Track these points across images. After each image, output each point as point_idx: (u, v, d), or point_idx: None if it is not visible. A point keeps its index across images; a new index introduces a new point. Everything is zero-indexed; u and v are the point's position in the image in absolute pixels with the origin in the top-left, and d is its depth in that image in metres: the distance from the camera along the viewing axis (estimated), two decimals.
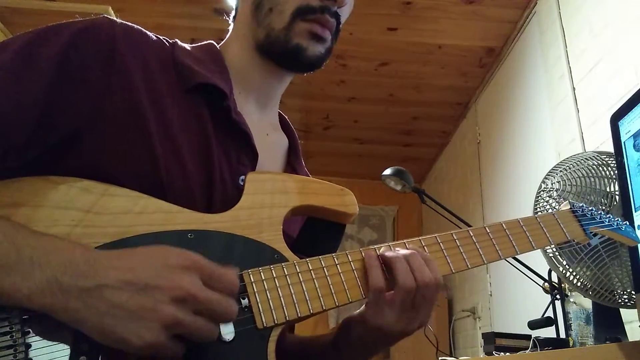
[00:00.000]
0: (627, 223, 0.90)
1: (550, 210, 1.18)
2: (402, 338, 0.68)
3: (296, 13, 0.74)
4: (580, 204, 0.85)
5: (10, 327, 0.48)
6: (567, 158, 1.32)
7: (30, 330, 0.49)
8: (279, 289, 0.61)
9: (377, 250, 0.68)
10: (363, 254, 0.67)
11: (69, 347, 0.50)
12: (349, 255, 0.67)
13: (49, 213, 0.55)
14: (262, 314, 0.59)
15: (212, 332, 0.53)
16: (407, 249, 0.68)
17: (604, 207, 1.19)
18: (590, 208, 0.85)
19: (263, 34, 0.76)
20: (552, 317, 1.49)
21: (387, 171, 1.96)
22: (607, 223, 0.85)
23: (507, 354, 1.32)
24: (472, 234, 0.74)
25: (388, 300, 0.65)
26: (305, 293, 0.62)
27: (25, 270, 0.48)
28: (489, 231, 0.75)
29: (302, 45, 0.74)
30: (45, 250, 0.50)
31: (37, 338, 0.50)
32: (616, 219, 0.87)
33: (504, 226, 0.77)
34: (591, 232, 0.82)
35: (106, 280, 0.50)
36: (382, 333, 0.66)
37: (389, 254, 0.66)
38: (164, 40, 0.73)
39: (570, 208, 0.84)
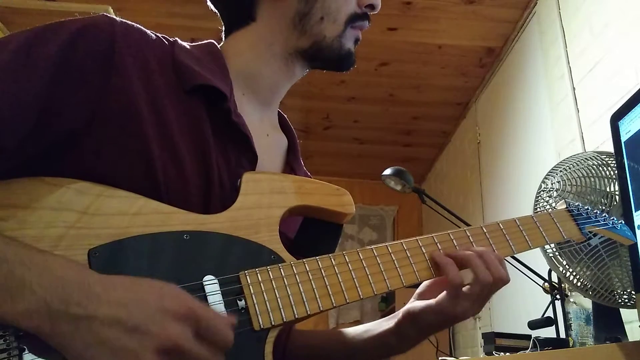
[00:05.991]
0: (623, 222, 0.91)
1: (549, 210, 1.18)
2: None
3: (348, 21, 0.78)
4: (576, 204, 0.86)
5: (4, 331, 0.47)
6: (567, 158, 1.31)
7: (24, 333, 0.48)
8: (276, 290, 0.61)
9: (438, 245, 0.72)
10: (425, 253, 0.71)
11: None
12: (345, 256, 0.67)
13: (43, 215, 0.54)
14: (259, 315, 0.59)
15: None
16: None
17: (603, 207, 1.18)
18: (586, 207, 0.86)
19: (309, 42, 0.78)
20: (552, 317, 1.49)
21: (387, 171, 1.96)
22: (602, 222, 0.85)
23: (507, 354, 1.32)
24: (469, 234, 0.74)
25: (465, 293, 0.71)
26: (303, 294, 0.62)
27: (15, 291, 0.47)
28: (485, 231, 0.75)
29: (351, 49, 0.80)
30: (38, 269, 0.48)
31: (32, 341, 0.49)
32: (612, 218, 0.88)
33: (501, 226, 0.77)
34: (588, 232, 0.83)
35: (97, 313, 0.48)
36: (452, 319, 0.73)
37: (462, 253, 0.71)
38: (164, 39, 0.72)
39: (567, 207, 0.85)
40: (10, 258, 0.48)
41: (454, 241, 0.73)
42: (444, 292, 0.72)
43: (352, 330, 0.84)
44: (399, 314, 0.78)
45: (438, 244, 0.72)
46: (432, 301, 0.73)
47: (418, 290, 0.79)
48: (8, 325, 0.47)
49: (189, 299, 0.52)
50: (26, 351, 0.48)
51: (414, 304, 0.76)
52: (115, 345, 0.48)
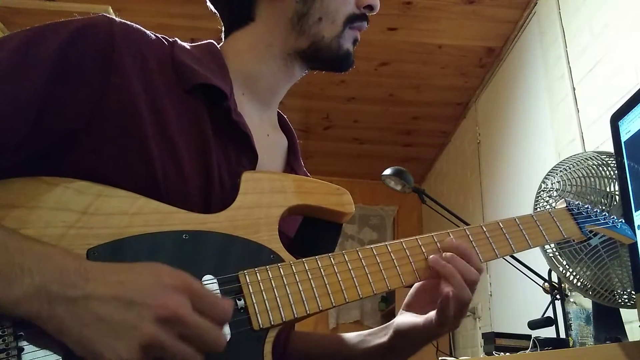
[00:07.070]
0: (623, 221, 0.90)
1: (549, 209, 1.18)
2: None
3: (347, 21, 0.78)
4: (577, 202, 0.86)
5: (3, 331, 0.48)
6: (567, 158, 1.31)
7: (23, 333, 0.49)
8: (275, 289, 0.60)
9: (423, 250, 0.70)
10: (425, 253, 0.70)
11: (62, 352, 0.49)
12: (345, 255, 0.66)
13: (43, 214, 0.54)
14: (258, 315, 0.58)
15: None
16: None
17: (604, 207, 1.18)
18: (586, 206, 0.85)
19: (307, 42, 0.78)
20: (552, 317, 1.48)
21: (387, 171, 1.96)
22: (602, 221, 0.85)
23: (507, 354, 1.32)
24: (468, 233, 0.74)
25: (454, 314, 0.69)
26: (302, 293, 0.62)
27: (14, 277, 0.47)
28: (485, 230, 0.75)
29: (350, 50, 0.80)
30: (36, 257, 0.49)
31: (30, 341, 0.49)
32: (612, 217, 0.88)
33: (501, 225, 0.76)
34: (589, 231, 0.82)
35: (94, 292, 0.48)
36: (441, 335, 0.74)
37: (447, 270, 0.69)
38: (163, 39, 0.72)
39: (567, 206, 0.84)
40: (10, 246, 0.49)
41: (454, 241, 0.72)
42: (432, 314, 0.71)
43: (352, 337, 0.84)
44: (390, 327, 0.78)
45: (437, 243, 0.71)
46: (419, 320, 0.73)
47: (406, 302, 0.79)
48: (7, 317, 0.48)
49: (184, 275, 0.53)
50: (25, 351, 0.48)
51: (403, 321, 0.76)
52: (114, 321, 0.48)
